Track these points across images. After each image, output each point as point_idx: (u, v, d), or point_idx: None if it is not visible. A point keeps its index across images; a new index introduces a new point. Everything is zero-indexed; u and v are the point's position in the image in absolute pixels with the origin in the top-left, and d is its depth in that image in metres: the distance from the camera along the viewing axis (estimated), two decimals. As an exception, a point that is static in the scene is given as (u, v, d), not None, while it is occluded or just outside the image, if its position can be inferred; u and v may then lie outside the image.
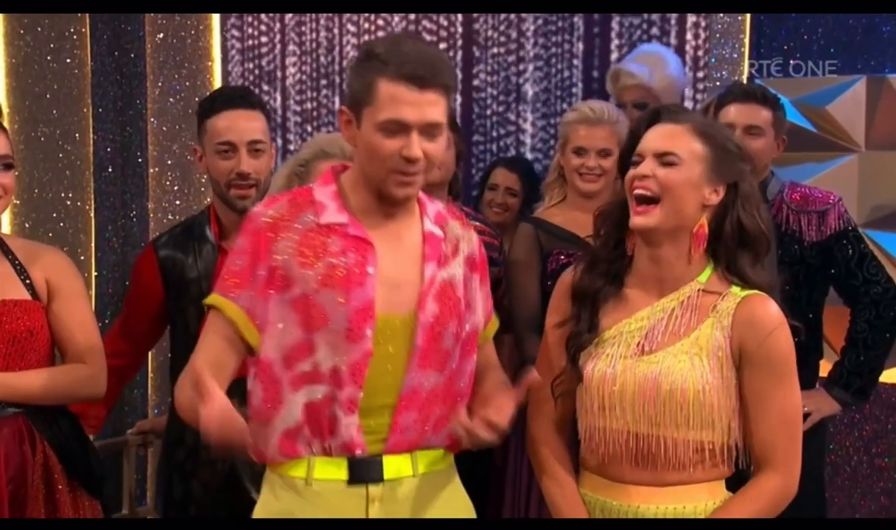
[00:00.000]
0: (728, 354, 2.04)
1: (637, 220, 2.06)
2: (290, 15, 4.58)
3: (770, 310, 2.06)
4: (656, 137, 2.07)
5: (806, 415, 2.97)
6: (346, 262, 1.96)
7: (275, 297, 1.96)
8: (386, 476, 1.98)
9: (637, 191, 2.06)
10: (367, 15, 4.40)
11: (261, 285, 1.97)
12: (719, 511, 2.06)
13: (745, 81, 3.86)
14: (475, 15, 4.33)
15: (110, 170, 4.50)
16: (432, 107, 1.94)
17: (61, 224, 4.24)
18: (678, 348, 2.05)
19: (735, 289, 2.08)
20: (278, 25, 4.60)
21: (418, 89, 1.93)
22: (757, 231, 2.08)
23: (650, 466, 2.07)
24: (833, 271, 3.02)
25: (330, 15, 4.50)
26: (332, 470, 1.98)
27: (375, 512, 1.98)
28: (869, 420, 4.00)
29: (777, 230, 2.98)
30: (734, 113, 3.01)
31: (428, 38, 4.37)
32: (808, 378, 3.07)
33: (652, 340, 2.07)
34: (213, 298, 2.02)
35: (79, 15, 4.26)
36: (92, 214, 4.34)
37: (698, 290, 2.08)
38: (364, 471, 1.98)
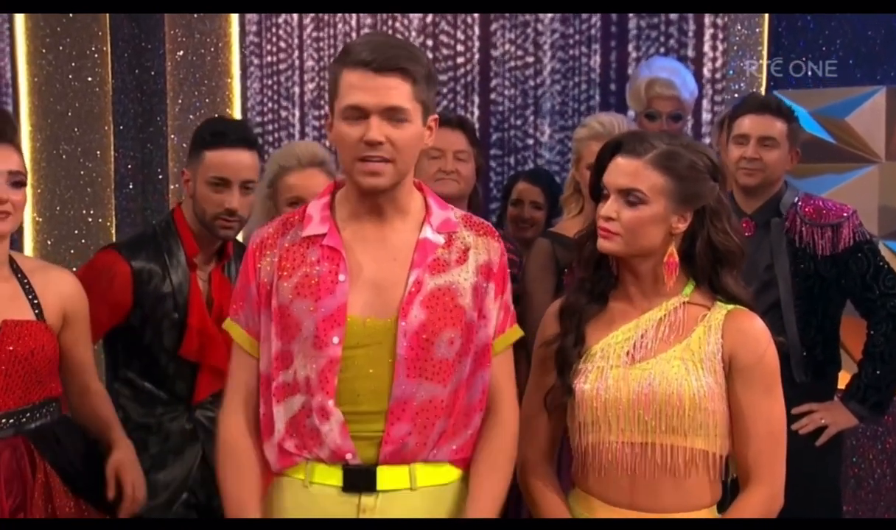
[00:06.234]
0: (720, 362, 2.04)
1: (602, 244, 2.09)
2: (307, 32, 4.61)
3: (761, 326, 2.07)
4: (619, 173, 2.07)
5: (823, 428, 2.99)
6: (320, 271, 1.98)
7: (264, 313, 2.02)
8: (380, 486, 1.97)
9: (602, 232, 2.08)
10: (383, 31, 4.42)
11: (254, 302, 2.04)
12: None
13: (762, 93, 3.85)
14: (492, 29, 4.34)
15: (131, 186, 4.56)
16: (391, 91, 1.92)
17: (83, 240, 4.29)
18: (670, 354, 2.05)
19: (720, 303, 2.09)
20: (296, 42, 4.64)
21: (374, 73, 1.91)
22: (730, 246, 2.08)
23: (647, 482, 2.04)
24: (848, 284, 3.00)
25: (347, 31, 4.53)
26: (328, 476, 1.99)
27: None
28: (892, 432, 3.96)
29: (790, 244, 2.98)
30: (748, 124, 3.01)
31: (445, 51, 4.40)
32: (825, 390, 3.07)
33: (641, 349, 2.07)
34: (225, 323, 2.11)
35: (100, 33, 4.32)
36: (113, 231, 4.39)
37: (683, 303, 2.09)
38: (356, 480, 1.98)
